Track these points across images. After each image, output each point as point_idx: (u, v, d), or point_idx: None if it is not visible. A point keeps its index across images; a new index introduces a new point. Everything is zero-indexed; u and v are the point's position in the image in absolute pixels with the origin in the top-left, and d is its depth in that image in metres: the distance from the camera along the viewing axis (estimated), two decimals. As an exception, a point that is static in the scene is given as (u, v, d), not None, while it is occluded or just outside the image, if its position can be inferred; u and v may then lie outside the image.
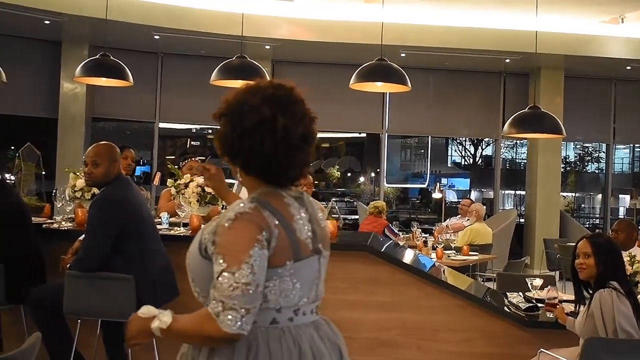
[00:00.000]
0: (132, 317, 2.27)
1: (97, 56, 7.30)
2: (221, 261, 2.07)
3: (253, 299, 2.07)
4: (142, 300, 4.32)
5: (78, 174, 5.41)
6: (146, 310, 2.23)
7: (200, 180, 5.42)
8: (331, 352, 2.30)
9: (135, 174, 15.31)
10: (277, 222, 2.17)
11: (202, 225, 2.49)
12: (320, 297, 2.34)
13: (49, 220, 5.66)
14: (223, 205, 5.63)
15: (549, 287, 4.89)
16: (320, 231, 2.34)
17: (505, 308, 4.95)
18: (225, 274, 2.05)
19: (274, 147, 2.20)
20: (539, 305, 4.89)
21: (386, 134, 13.67)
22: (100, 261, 4.31)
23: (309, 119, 2.29)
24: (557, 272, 10.43)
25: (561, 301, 5.00)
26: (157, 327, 2.17)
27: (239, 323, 2.05)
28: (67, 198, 5.50)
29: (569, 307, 4.75)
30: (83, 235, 4.52)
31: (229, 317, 2.04)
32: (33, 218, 5.35)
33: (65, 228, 5.39)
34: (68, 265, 4.47)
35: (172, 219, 5.70)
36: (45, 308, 4.51)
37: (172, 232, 5.33)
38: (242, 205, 2.17)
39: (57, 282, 4.53)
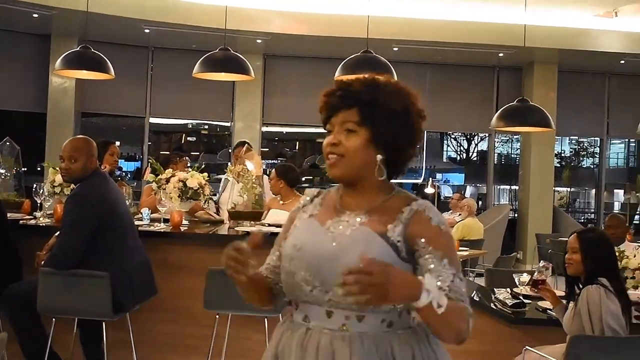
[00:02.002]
0: (395, 278, 1.82)
1: (78, 48, 7.19)
2: (447, 263, 2.01)
3: None
4: (118, 299, 4.25)
5: (57, 169, 5.31)
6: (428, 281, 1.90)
7: (182, 174, 5.34)
8: None
9: (127, 170, 15.26)
10: None
11: (363, 228, 2.08)
12: None
13: (27, 216, 5.56)
14: (205, 200, 5.55)
15: (542, 263, 4.76)
16: None
17: (492, 305, 4.86)
18: (458, 279, 2.01)
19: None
20: (526, 301, 4.80)
21: (379, 129, 13.57)
22: (75, 258, 4.21)
23: None
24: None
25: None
26: (431, 304, 1.86)
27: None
28: (46, 194, 5.40)
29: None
30: (59, 232, 4.43)
31: (471, 322, 2.01)
32: (12, 214, 5.26)
33: (44, 224, 5.29)
34: (42, 262, 4.37)
35: (153, 215, 5.60)
36: (19, 305, 4.42)
37: (151, 228, 5.23)
38: (435, 209, 2.12)
39: (33, 279, 4.42)
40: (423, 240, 2.02)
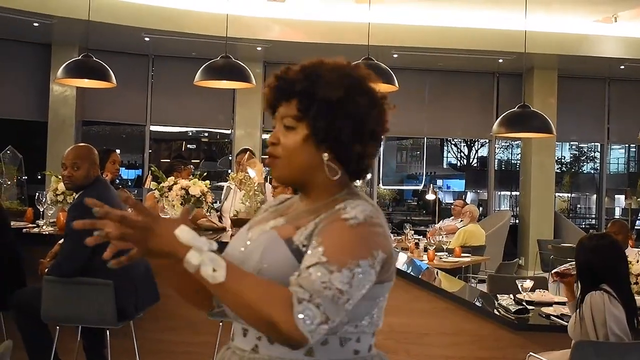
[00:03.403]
0: (159, 227, 1.60)
1: (80, 57, 7.20)
2: (321, 253, 1.62)
3: (337, 311, 1.60)
4: (122, 306, 4.25)
5: (60, 177, 5.33)
6: (187, 235, 1.58)
7: (184, 182, 5.34)
8: None
9: (128, 177, 15.27)
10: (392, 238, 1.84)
11: (270, 233, 1.81)
12: None
13: (30, 225, 5.57)
14: (207, 208, 5.56)
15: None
16: None
17: (495, 311, 4.86)
18: (321, 267, 1.60)
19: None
20: (529, 307, 4.80)
21: (379, 135, 13.62)
22: (78, 266, 4.20)
23: None
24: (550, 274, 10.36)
25: (553, 303, 4.94)
26: (205, 273, 1.55)
27: (313, 327, 1.56)
28: (49, 202, 5.41)
29: (561, 310, 4.68)
30: (62, 239, 4.44)
31: (309, 313, 1.56)
32: (14, 222, 5.27)
33: (47, 232, 5.30)
34: (46, 270, 4.37)
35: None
36: (25, 312, 4.42)
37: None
38: (367, 208, 1.73)
39: (38, 286, 4.43)
40: (318, 234, 1.71)
